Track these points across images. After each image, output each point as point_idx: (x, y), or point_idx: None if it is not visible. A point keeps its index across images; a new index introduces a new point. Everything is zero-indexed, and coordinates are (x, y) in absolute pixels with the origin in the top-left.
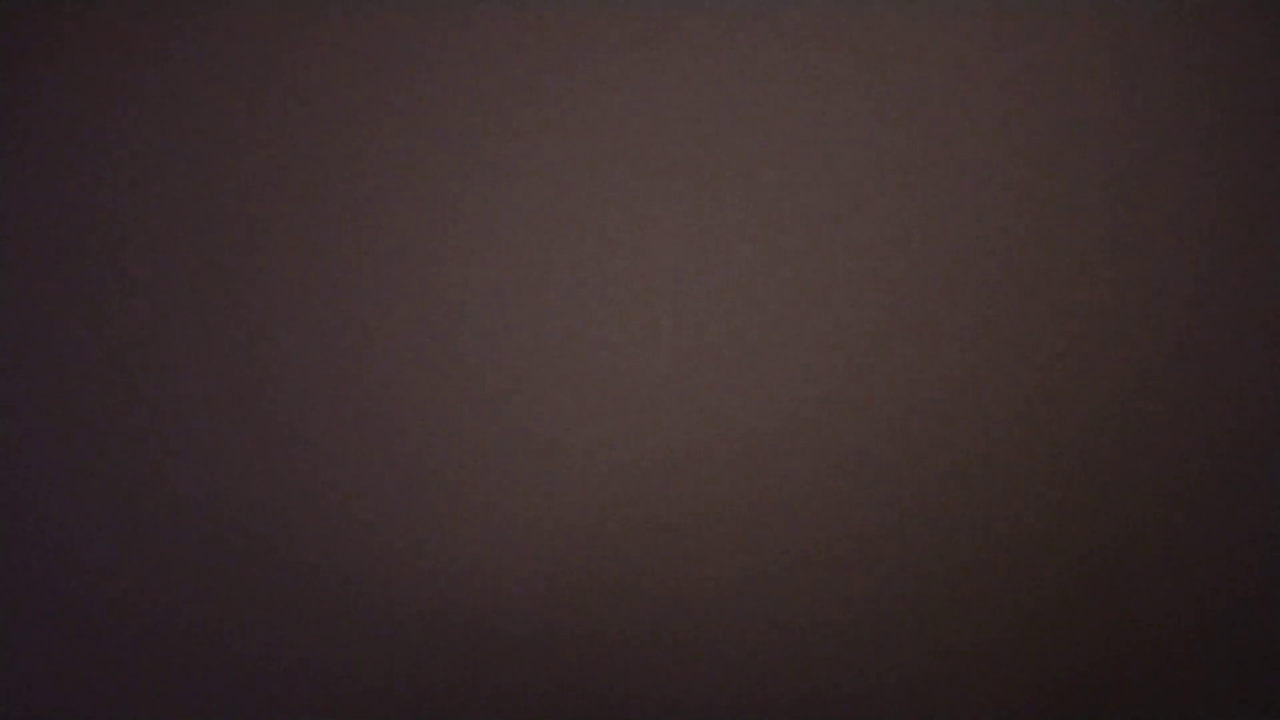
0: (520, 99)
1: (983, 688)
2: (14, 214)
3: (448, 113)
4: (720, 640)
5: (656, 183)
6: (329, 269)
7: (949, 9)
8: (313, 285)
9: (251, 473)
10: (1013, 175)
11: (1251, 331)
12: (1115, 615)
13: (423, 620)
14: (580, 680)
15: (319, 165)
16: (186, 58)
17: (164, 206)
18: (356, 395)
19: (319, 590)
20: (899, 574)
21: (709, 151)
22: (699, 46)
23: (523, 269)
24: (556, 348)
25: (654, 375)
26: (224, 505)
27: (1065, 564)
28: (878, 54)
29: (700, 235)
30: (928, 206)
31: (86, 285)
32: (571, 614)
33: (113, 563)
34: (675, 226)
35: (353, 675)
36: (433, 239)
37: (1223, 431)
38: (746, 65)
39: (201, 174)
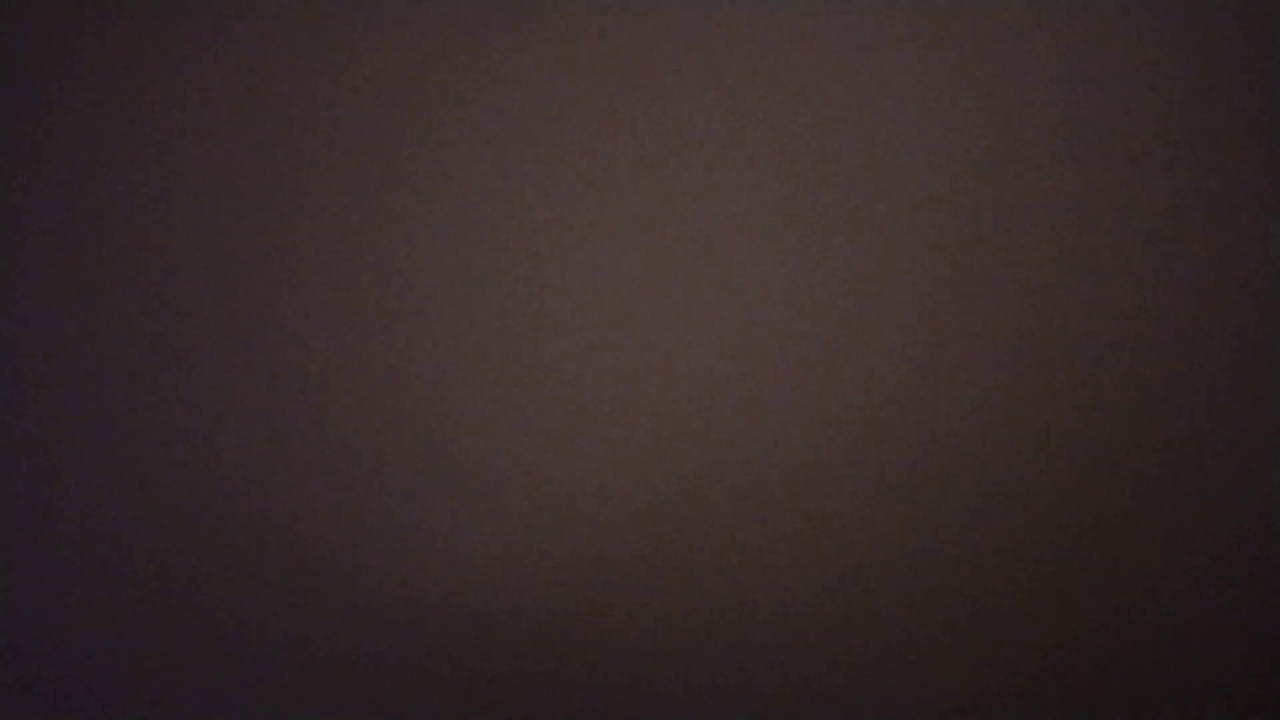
0: (524, 99)
1: (975, 679)
2: (22, 213)
3: (453, 112)
4: (723, 629)
5: (662, 181)
6: (339, 262)
7: (949, 9)
8: (323, 278)
9: (263, 463)
10: (1011, 176)
11: (1251, 331)
12: (1109, 612)
13: (431, 608)
14: (586, 667)
15: (329, 162)
16: (190, 57)
17: (175, 204)
18: (366, 386)
19: (329, 580)
20: (898, 569)
21: (709, 150)
22: (699, 46)
23: (532, 263)
24: (564, 339)
25: (659, 367)
26: (236, 495)
27: (1063, 557)
28: (877, 54)
29: (702, 231)
30: (925, 206)
31: (98, 281)
32: (577, 602)
33: (126, 554)
34: (678, 221)
35: (363, 663)
36: (442, 235)
37: (1220, 429)
38: (747, 64)
39: (214, 173)
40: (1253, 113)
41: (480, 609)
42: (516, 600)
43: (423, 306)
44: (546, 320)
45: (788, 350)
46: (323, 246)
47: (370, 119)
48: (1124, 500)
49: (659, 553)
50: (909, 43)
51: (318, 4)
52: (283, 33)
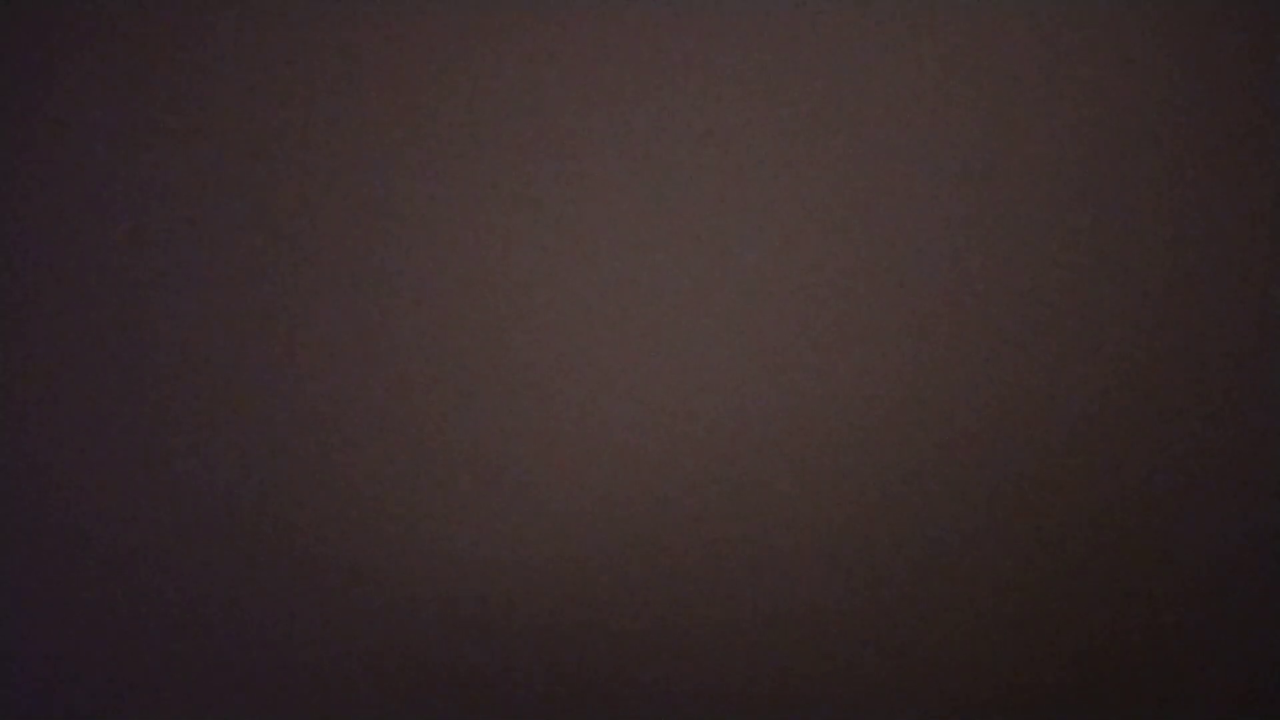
0: (525, 99)
1: (976, 684)
2: (22, 211)
3: (453, 112)
4: (721, 633)
5: (657, 181)
6: (337, 263)
7: (949, 9)
8: (322, 277)
9: (258, 464)
10: (1012, 176)
11: (1251, 331)
12: (1110, 615)
13: (429, 611)
14: (584, 671)
15: (327, 161)
16: (188, 57)
17: (174, 201)
18: (365, 386)
19: (327, 582)
20: (896, 572)
21: (709, 151)
22: (700, 45)
23: (530, 264)
24: (562, 341)
25: (659, 369)
26: (232, 496)
27: (1062, 562)
28: (877, 54)
29: (701, 232)
30: (925, 207)
31: (95, 278)
32: (576, 605)
33: (125, 554)
34: (676, 224)
35: (360, 666)
36: (442, 234)
37: (1221, 430)
38: (748, 64)
39: (210, 171)
40: (1253, 113)
41: (473, 611)
42: (511, 603)
43: (416, 307)
44: (540, 320)
45: (783, 352)
46: (320, 252)
47: (366, 121)
48: (1128, 502)
49: (652, 555)
50: (908, 42)
51: (314, 2)
52: (274, 29)
